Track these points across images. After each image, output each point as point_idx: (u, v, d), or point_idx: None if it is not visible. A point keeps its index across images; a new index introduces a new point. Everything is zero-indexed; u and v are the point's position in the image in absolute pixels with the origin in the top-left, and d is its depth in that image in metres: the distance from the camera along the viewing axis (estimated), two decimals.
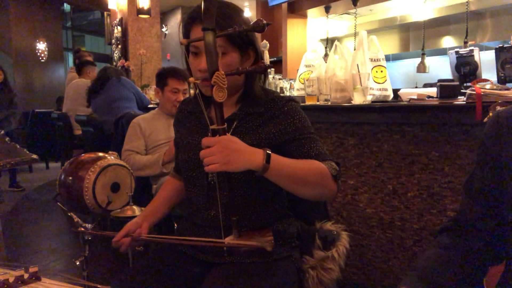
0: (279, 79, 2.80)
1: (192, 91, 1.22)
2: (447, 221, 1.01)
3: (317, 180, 0.97)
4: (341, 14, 5.38)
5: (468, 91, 1.53)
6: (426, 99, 1.68)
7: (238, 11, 1.05)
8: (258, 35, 1.12)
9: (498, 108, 1.10)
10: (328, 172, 0.98)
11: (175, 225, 1.75)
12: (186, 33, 1.05)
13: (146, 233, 1.14)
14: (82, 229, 1.34)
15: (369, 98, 1.92)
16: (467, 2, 3.81)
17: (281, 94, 1.27)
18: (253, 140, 1.03)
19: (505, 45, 1.94)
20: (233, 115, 1.08)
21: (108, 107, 3.35)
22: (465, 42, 3.59)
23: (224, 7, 1.01)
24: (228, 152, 0.86)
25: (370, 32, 2.50)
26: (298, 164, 0.97)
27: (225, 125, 0.91)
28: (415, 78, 4.43)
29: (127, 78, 3.76)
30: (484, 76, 2.08)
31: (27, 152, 1.67)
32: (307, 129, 1.06)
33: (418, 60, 4.30)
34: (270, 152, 0.90)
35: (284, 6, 5.34)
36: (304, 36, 5.55)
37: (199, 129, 1.13)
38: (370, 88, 1.97)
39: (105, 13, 6.61)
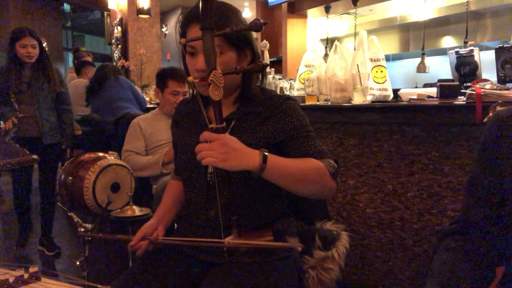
0: (279, 79, 2.80)
1: (191, 91, 1.23)
2: (450, 224, 1.01)
3: (315, 179, 0.97)
4: (341, 14, 5.38)
5: (468, 91, 1.53)
6: (426, 99, 1.68)
7: (235, 11, 1.05)
8: (257, 35, 1.12)
9: (498, 108, 1.10)
10: (326, 170, 0.98)
11: (175, 225, 1.75)
12: (183, 34, 1.06)
13: (162, 235, 1.14)
14: (83, 229, 1.34)
15: (369, 98, 1.92)
16: (467, 2, 3.80)
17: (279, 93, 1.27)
18: (251, 139, 1.03)
19: (505, 45, 1.94)
20: (231, 115, 1.08)
21: (108, 107, 3.35)
22: (465, 42, 3.59)
23: (221, 7, 1.02)
24: (227, 150, 0.87)
25: (370, 32, 2.50)
26: (295, 163, 0.97)
27: (224, 124, 0.91)
28: (415, 78, 4.43)
29: (125, 77, 3.74)
30: (484, 76, 2.08)
31: (27, 152, 1.67)
32: (305, 127, 1.06)
33: (418, 60, 4.30)
34: (267, 153, 0.91)
35: (284, 6, 5.34)
36: (304, 36, 5.55)
37: (197, 130, 1.13)
38: (370, 88, 1.97)
39: (105, 13, 6.61)
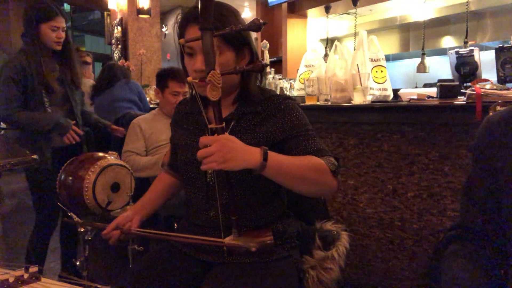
0: (279, 79, 2.79)
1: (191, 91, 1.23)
2: (450, 228, 1.00)
3: (315, 176, 0.97)
4: (341, 14, 5.37)
5: (468, 91, 1.53)
6: (426, 99, 1.68)
7: (233, 11, 1.05)
8: (257, 35, 1.12)
9: (498, 108, 1.10)
10: (327, 167, 0.98)
11: (175, 225, 1.75)
12: (181, 34, 1.06)
13: (136, 227, 1.17)
14: (83, 229, 1.34)
15: (369, 98, 1.92)
16: (467, 2, 3.80)
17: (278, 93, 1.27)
18: (251, 139, 1.03)
19: (505, 45, 1.94)
20: (230, 115, 1.08)
21: (110, 106, 3.34)
22: (465, 42, 3.59)
23: (220, 7, 1.02)
24: (226, 151, 0.86)
25: (370, 32, 2.49)
26: (296, 161, 0.96)
27: (224, 124, 0.91)
28: (415, 78, 4.43)
29: (136, 82, 3.73)
30: (484, 76, 2.08)
31: (27, 152, 1.67)
32: (304, 126, 1.06)
33: (418, 60, 4.29)
34: (267, 150, 0.90)
35: (284, 6, 5.34)
36: (304, 36, 5.55)
37: (197, 130, 1.13)
38: (370, 88, 1.97)
39: (105, 13, 6.61)
